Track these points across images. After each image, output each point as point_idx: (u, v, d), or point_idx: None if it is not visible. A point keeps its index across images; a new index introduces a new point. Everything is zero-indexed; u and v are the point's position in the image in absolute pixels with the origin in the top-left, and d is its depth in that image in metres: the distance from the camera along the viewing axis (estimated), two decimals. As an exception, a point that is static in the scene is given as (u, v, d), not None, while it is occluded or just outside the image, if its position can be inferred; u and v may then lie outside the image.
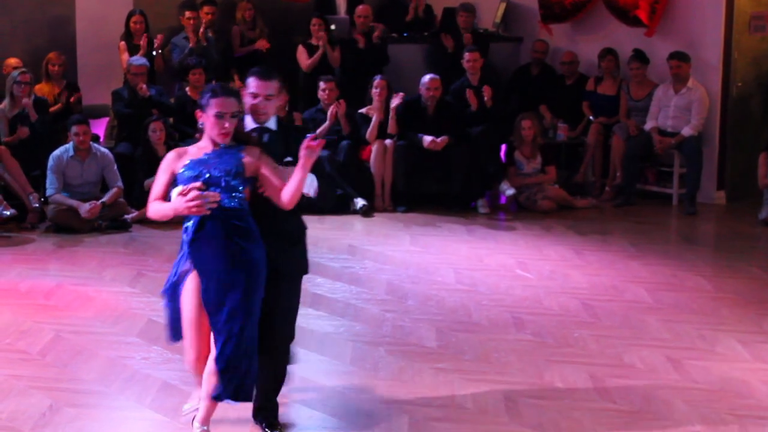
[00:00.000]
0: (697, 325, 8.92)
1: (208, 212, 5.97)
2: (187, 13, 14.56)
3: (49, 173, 12.13)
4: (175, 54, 14.44)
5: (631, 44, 14.03)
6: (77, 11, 14.64)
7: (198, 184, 5.96)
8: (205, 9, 14.76)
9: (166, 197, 6.18)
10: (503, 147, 13.67)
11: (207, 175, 6.00)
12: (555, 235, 12.05)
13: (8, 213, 12.05)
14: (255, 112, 6.36)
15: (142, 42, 14.17)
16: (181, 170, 6.09)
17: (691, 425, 6.90)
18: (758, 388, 7.52)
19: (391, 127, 13.38)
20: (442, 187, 13.40)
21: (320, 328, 8.85)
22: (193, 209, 5.94)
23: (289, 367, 7.03)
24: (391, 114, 13.35)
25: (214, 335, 6.06)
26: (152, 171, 12.73)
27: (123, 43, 14.23)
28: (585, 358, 8.14)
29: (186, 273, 6.11)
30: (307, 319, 9.04)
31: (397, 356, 8.16)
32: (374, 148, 13.30)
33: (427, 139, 13.20)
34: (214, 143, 6.11)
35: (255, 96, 6.33)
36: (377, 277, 10.39)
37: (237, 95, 6.21)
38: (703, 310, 9.39)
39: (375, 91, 13.48)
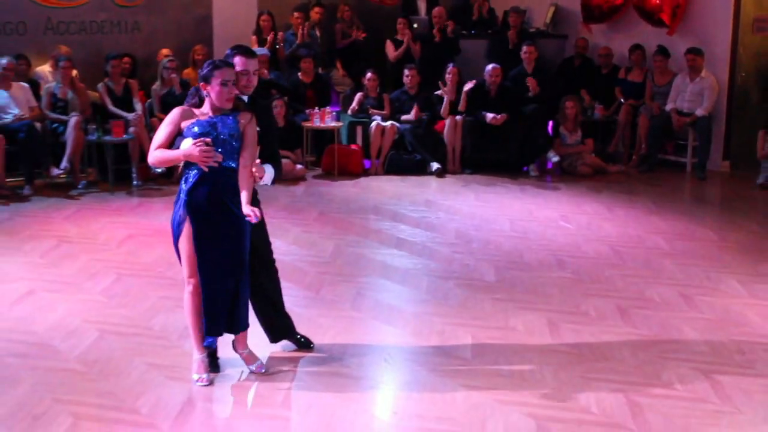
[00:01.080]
0: (704, 268, 8.87)
1: (215, 164, 5.90)
2: (296, 14, 14.65)
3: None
4: (285, 47, 14.51)
5: (656, 41, 13.91)
6: (214, 11, 14.73)
7: (208, 140, 5.88)
8: (315, 10, 14.84)
9: (169, 147, 6.03)
10: (550, 123, 13.61)
11: (215, 135, 5.92)
12: (591, 195, 11.98)
13: (159, 170, 12.21)
14: (244, 86, 6.13)
15: (269, 37, 14.27)
16: (191, 127, 5.97)
17: (697, 347, 6.91)
18: (753, 319, 7.50)
19: (462, 105, 13.37)
20: (500, 154, 13.36)
21: (402, 265, 8.91)
22: (203, 159, 5.86)
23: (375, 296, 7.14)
24: (463, 96, 13.34)
25: (201, 279, 6.04)
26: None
27: (254, 37, 14.31)
28: (613, 292, 8.13)
29: (183, 220, 6.02)
30: (392, 257, 9.14)
31: (463, 288, 8.21)
32: (447, 122, 13.30)
33: (489, 115, 13.18)
34: (215, 110, 6.00)
35: (244, 73, 6.12)
36: (448, 225, 10.42)
37: (233, 66, 6.07)
38: (709, 256, 9.33)
39: (448, 77, 13.48)
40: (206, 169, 5.91)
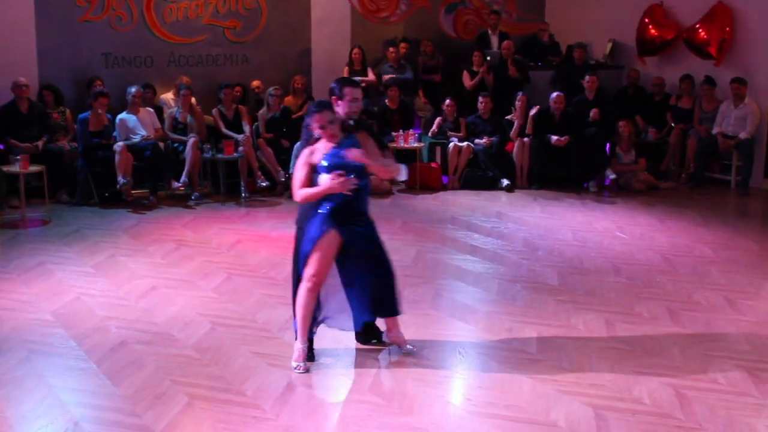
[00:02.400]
0: (747, 275, 8.69)
1: (354, 187, 6.03)
2: (391, 49, 14.68)
3: (293, 157, 12.32)
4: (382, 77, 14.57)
5: (704, 71, 13.69)
6: (313, 46, 14.85)
7: (341, 172, 5.97)
8: (402, 44, 14.85)
9: (309, 185, 6.14)
10: (608, 144, 13.46)
11: (343, 162, 6.01)
12: (644, 208, 11.81)
13: (264, 184, 12.35)
14: (354, 111, 6.25)
15: (359, 67, 14.36)
16: (321, 162, 6.07)
17: (740, 345, 6.78)
18: (791, 321, 7.34)
19: (529, 128, 13.29)
20: (563, 172, 13.23)
21: (475, 269, 8.87)
22: (344, 189, 5.97)
23: (451, 296, 7.11)
24: (529, 120, 13.26)
25: (344, 279, 6.31)
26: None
27: (347, 68, 14.39)
28: (664, 296, 8.01)
29: (323, 233, 6.09)
30: (466, 262, 9.10)
31: (529, 290, 8.15)
32: (516, 143, 13.23)
33: (554, 138, 13.07)
34: (332, 139, 6.14)
35: (355, 100, 6.24)
36: (516, 235, 10.34)
37: (329, 107, 6.17)
38: (752, 264, 9.13)
39: (518, 104, 13.42)
40: (350, 194, 6.04)
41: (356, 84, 6.37)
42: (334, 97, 6.28)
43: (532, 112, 13.24)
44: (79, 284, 8.23)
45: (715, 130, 13.26)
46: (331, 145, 6.12)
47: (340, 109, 6.24)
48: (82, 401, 5.70)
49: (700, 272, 8.80)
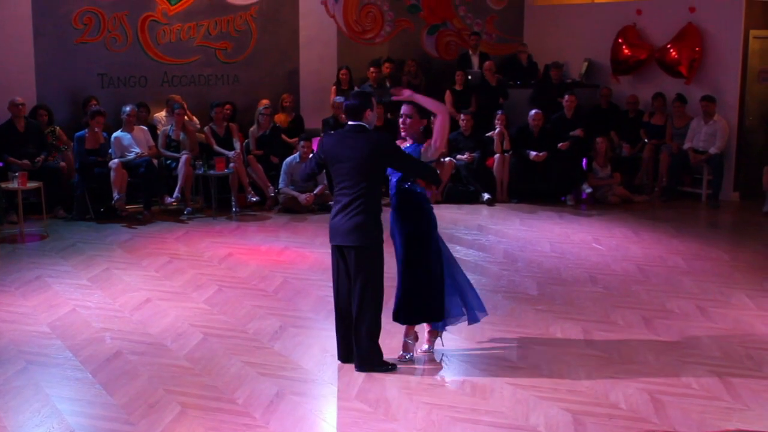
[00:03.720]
0: (718, 284, 8.71)
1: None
2: (372, 69, 14.70)
3: (282, 173, 12.36)
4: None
5: (675, 89, 13.77)
6: (301, 66, 14.86)
7: None
8: (386, 65, 14.86)
9: None
10: (584, 160, 13.50)
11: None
12: (620, 221, 11.84)
13: (254, 199, 12.33)
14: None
15: (346, 87, 14.37)
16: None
17: (712, 352, 6.80)
18: (761, 328, 7.36)
19: (507, 144, 13.33)
20: (542, 186, 13.28)
21: (458, 279, 8.87)
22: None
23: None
24: (506, 136, 13.32)
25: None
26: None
27: (334, 87, 14.40)
28: (639, 305, 8.02)
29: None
30: (449, 273, 9.09)
31: (509, 300, 8.15)
32: (496, 158, 13.25)
33: (533, 153, 13.12)
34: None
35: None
36: (497, 247, 10.35)
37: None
38: (722, 273, 9.16)
39: (497, 122, 13.45)
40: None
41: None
42: (367, 110, 6.13)
43: (492, 132, 13.37)
44: (75, 297, 8.19)
45: (686, 146, 13.31)
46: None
47: (371, 118, 6.18)
48: (78, 410, 5.66)
49: (674, 282, 8.82)
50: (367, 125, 6.14)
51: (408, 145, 6.44)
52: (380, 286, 6.26)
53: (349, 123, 6.17)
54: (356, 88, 14.33)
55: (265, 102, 13.62)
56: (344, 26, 15.24)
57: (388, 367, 6.28)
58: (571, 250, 10.16)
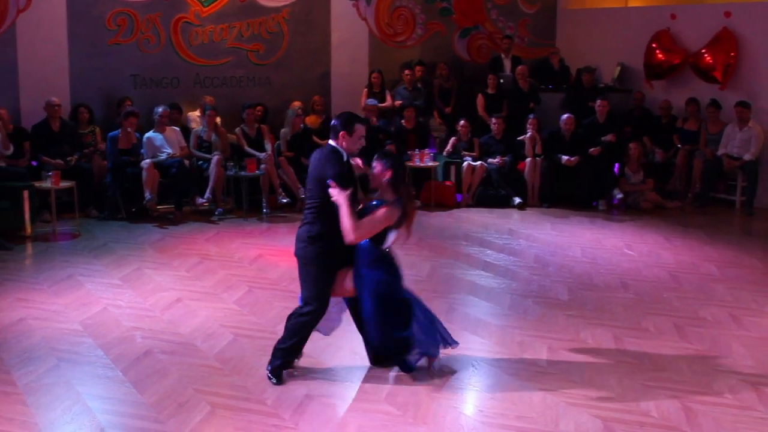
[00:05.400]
0: (751, 292, 8.63)
1: None
2: (406, 71, 14.71)
3: (312, 175, 12.37)
4: (396, 98, 14.58)
5: (709, 95, 13.66)
6: (332, 69, 14.89)
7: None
8: (417, 68, 14.85)
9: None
10: (617, 165, 13.42)
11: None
12: (651, 227, 11.75)
13: (285, 200, 12.36)
14: (357, 150, 6.16)
15: (378, 90, 14.40)
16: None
17: (745, 361, 6.74)
18: (795, 337, 7.28)
19: (539, 149, 13.29)
20: (573, 190, 13.22)
21: (488, 284, 8.85)
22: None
23: (465, 310, 7.07)
24: (538, 140, 13.29)
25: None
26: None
27: (365, 90, 14.42)
28: (671, 312, 7.96)
29: None
30: (479, 277, 9.08)
31: (540, 305, 8.12)
32: (528, 162, 13.21)
33: (564, 158, 13.07)
34: None
35: (362, 138, 6.10)
36: (527, 251, 10.31)
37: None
38: (756, 281, 9.07)
39: (529, 126, 13.41)
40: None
41: (365, 122, 6.27)
42: (343, 132, 6.08)
43: (524, 137, 13.32)
44: (107, 296, 8.25)
45: (720, 152, 13.20)
46: None
47: (347, 143, 6.09)
48: (109, 408, 5.71)
49: (706, 289, 8.74)
50: (336, 146, 6.08)
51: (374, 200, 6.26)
52: (312, 296, 6.19)
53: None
54: (388, 92, 14.40)
55: (297, 104, 13.65)
56: (376, 29, 15.25)
57: None
58: (602, 256, 10.10)
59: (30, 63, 12.64)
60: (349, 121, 6.12)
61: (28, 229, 10.78)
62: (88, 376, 6.20)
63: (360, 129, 6.09)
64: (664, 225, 11.88)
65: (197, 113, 13.44)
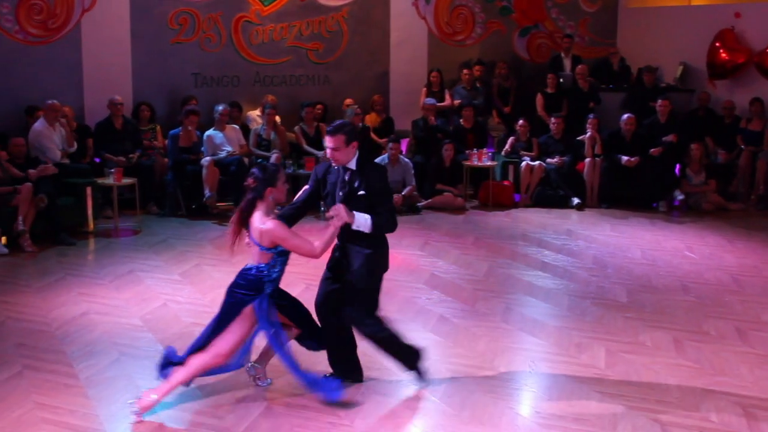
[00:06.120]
0: (816, 296, 8.48)
1: None
2: (465, 71, 14.69)
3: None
4: (455, 97, 14.57)
5: (774, 95, 13.47)
6: (391, 68, 14.93)
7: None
8: (476, 67, 14.82)
9: None
10: (678, 166, 13.25)
11: None
12: (713, 229, 11.57)
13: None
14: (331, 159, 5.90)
15: (437, 89, 14.40)
16: None
17: (809, 367, 6.60)
18: None
19: (599, 149, 13.17)
20: (633, 191, 13.07)
21: (545, 284, 8.79)
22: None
23: (522, 311, 7.00)
24: (598, 140, 13.17)
25: None
26: (440, 176, 12.99)
27: (424, 89, 14.43)
28: (732, 315, 7.83)
29: None
30: (537, 278, 9.03)
31: (598, 307, 8.04)
32: (587, 163, 13.10)
33: (624, 158, 12.93)
34: None
35: (327, 148, 5.92)
36: (586, 252, 10.22)
37: None
38: (821, 286, 8.90)
39: (589, 125, 13.29)
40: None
41: (332, 132, 5.86)
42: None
43: (584, 136, 13.20)
44: (167, 291, 8.37)
45: (785, 153, 12.98)
46: None
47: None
48: (168, 402, 5.77)
49: (769, 293, 8.59)
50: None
51: None
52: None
53: None
54: (446, 91, 14.38)
55: (348, 101, 13.74)
56: (435, 28, 15.25)
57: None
58: (662, 258, 9.97)
59: (94, 62, 12.88)
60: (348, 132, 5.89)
61: (91, 225, 10.98)
62: (149, 371, 6.28)
63: (328, 140, 5.82)
64: (727, 227, 11.69)
65: (257, 112, 13.56)
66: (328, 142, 5.86)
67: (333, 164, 5.95)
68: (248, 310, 5.78)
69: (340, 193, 5.90)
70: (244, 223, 5.86)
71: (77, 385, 6.05)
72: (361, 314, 5.92)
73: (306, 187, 6.28)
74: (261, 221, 5.74)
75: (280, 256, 5.86)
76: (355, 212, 5.81)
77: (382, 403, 5.83)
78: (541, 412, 5.71)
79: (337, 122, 6.02)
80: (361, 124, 13.17)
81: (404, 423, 5.56)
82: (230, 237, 5.95)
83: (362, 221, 5.84)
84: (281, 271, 5.95)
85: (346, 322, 5.99)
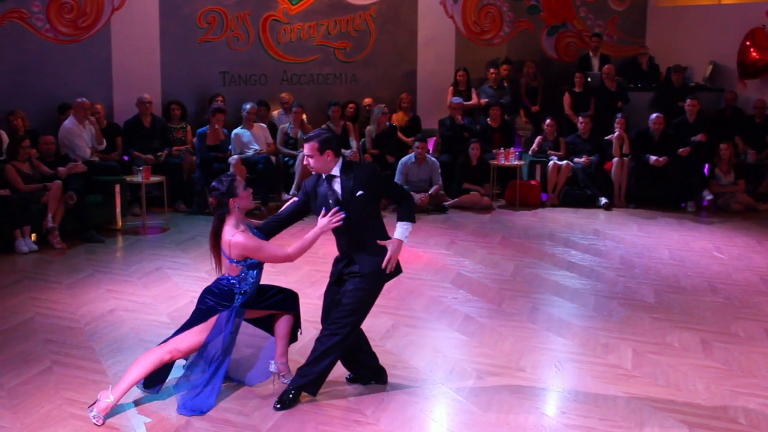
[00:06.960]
0: None
1: None
2: (491, 70, 14.65)
3: (397, 173, 12.39)
4: (481, 96, 14.54)
5: (806, 94, 13.34)
6: (419, 67, 14.92)
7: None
8: (504, 66, 14.78)
9: None
10: (707, 165, 13.14)
11: None
12: (742, 229, 11.48)
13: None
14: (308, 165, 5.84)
15: (464, 88, 14.38)
16: None
17: (839, 370, 6.53)
18: None
19: (626, 148, 13.09)
20: (661, 191, 12.98)
21: (572, 284, 8.75)
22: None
23: (548, 311, 6.95)
24: (626, 140, 13.09)
25: None
26: (467, 175, 12.95)
27: (451, 88, 14.42)
28: (761, 317, 7.76)
29: None
30: (563, 278, 8.99)
31: (625, 307, 8.00)
32: (615, 162, 13.03)
33: (652, 158, 12.84)
34: None
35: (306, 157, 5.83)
36: (613, 252, 10.17)
37: None
38: None
39: (617, 125, 13.22)
40: None
41: (307, 139, 5.80)
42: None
43: (612, 136, 13.13)
44: (194, 289, 8.38)
45: (816, 153, 12.85)
46: None
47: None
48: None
49: (799, 294, 8.51)
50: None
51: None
52: None
53: None
54: (473, 90, 14.35)
55: (368, 100, 13.77)
56: (462, 27, 15.22)
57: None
58: (690, 258, 9.90)
59: (123, 60, 12.97)
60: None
61: (119, 222, 11.06)
62: (176, 368, 6.31)
63: (305, 147, 5.79)
64: (756, 228, 11.59)
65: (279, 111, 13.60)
66: (304, 148, 5.83)
67: (322, 175, 5.86)
68: (215, 319, 5.79)
69: (330, 201, 5.85)
70: (219, 243, 5.88)
71: (105, 380, 6.09)
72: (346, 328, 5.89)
73: (294, 198, 6.25)
74: (230, 233, 5.79)
75: (250, 269, 5.86)
76: (395, 237, 5.82)
77: (408, 402, 5.83)
78: (567, 413, 5.68)
79: (316, 130, 5.91)
80: (388, 123, 13.17)
81: (430, 422, 5.56)
82: (213, 259, 5.97)
83: (404, 230, 5.86)
84: (255, 284, 5.93)
85: (330, 325, 5.92)
